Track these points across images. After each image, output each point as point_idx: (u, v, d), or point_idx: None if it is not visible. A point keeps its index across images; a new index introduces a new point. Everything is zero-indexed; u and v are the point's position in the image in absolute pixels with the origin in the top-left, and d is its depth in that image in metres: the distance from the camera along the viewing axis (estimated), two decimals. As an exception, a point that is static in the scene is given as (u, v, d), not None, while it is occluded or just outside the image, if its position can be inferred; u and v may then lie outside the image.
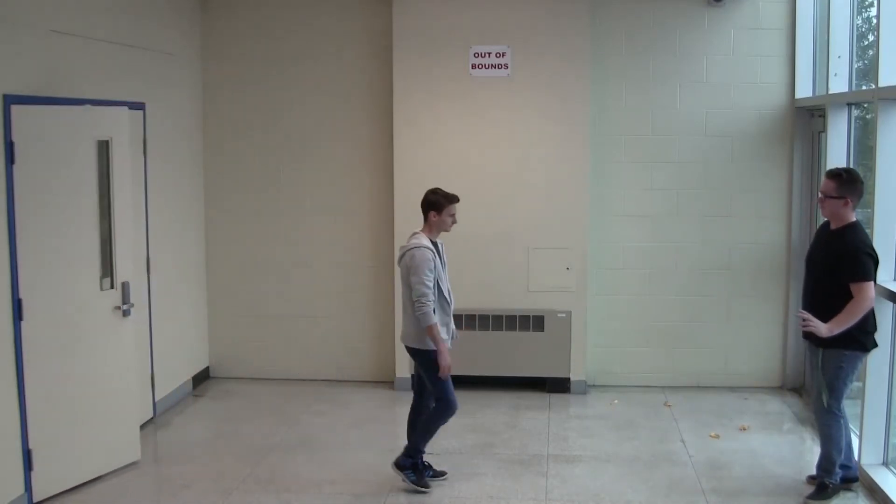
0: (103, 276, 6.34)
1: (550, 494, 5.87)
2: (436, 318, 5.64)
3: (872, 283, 5.32)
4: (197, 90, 8.14)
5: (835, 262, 5.40)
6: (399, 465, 5.89)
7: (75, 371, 5.94)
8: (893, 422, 5.99)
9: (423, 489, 5.84)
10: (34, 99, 5.56)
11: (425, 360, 5.78)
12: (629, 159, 8.00)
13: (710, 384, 8.10)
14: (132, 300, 6.63)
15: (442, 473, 6.05)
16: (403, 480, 5.87)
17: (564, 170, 7.77)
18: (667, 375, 8.15)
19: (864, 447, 5.87)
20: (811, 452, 6.67)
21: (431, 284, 5.62)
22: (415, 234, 5.83)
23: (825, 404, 5.54)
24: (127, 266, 6.67)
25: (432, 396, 5.91)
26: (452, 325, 5.90)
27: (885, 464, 5.98)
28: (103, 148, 6.33)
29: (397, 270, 7.89)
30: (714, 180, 7.96)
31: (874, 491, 5.71)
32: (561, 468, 6.22)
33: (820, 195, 5.58)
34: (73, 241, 5.96)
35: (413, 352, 5.85)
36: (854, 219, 5.45)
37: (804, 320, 5.41)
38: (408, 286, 5.71)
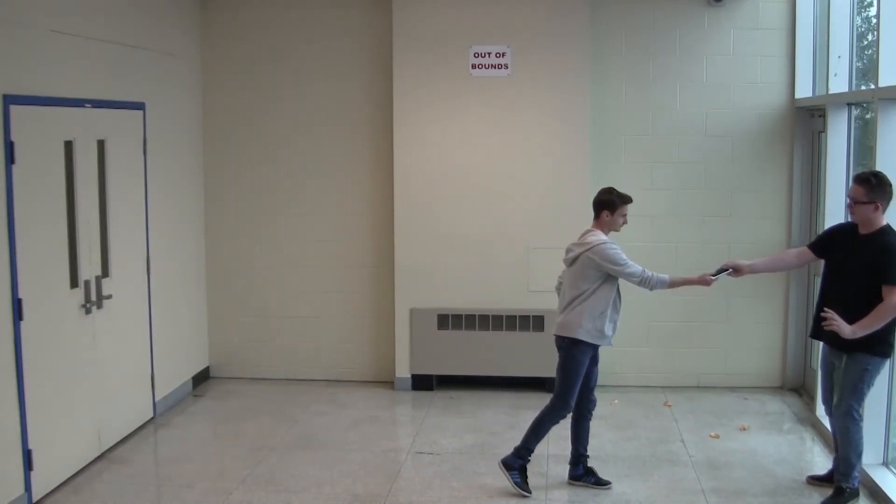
0: (103, 275, 6.36)
1: (550, 494, 5.87)
2: (664, 276, 5.72)
3: None
4: (197, 90, 8.14)
5: (867, 266, 5.34)
6: (506, 463, 5.86)
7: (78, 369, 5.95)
8: (893, 422, 5.99)
9: (524, 493, 5.78)
10: (34, 99, 5.56)
11: (567, 350, 5.77)
12: (629, 159, 8.00)
13: (710, 384, 8.11)
14: (131, 299, 6.66)
15: (605, 483, 5.96)
16: (508, 481, 5.81)
17: (564, 170, 7.77)
18: (667, 375, 8.15)
19: (864, 447, 5.85)
20: (811, 452, 6.69)
21: (632, 262, 5.66)
22: (589, 231, 5.82)
23: (846, 407, 5.50)
24: (123, 264, 6.69)
25: (589, 394, 5.95)
26: (617, 326, 5.86)
27: (885, 464, 5.98)
28: (103, 148, 6.36)
29: (400, 271, 8.00)
30: (714, 180, 7.96)
31: (874, 492, 5.71)
32: (561, 468, 6.22)
33: (849, 201, 5.50)
34: (72, 240, 5.98)
35: (559, 340, 5.81)
36: (885, 222, 5.40)
37: (827, 320, 5.35)
38: (579, 281, 5.73)
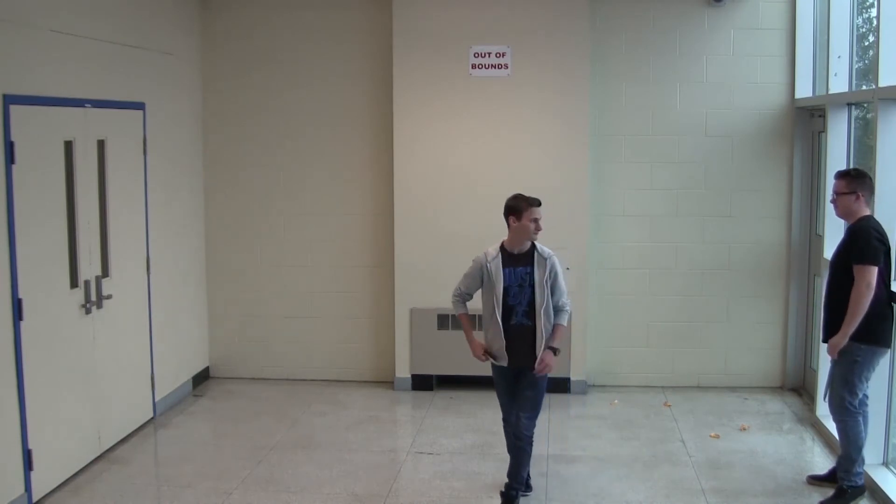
0: (103, 275, 6.36)
1: (550, 494, 5.87)
2: (461, 306, 5.61)
3: (875, 268, 5.31)
4: (197, 90, 8.14)
5: (846, 254, 5.43)
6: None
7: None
8: (893, 422, 5.99)
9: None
10: (34, 99, 5.56)
11: None
12: (629, 159, 8.00)
13: (710, 384, 8.10)
14: (131, 299, 6.64)
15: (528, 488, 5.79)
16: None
17: (564, 170, 7.77)
18: (667, 375, 8.15)
19: (864, 447, 5.86)
20: (811, 452, 6.68)
21: (461, 287, 5.59)
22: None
23: (839, 399, 5.51)
24: (123, 264, 6.68)
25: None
26: (501, 344, 5.47)
27: (885, 464, 5.98)
28: (103, 148, 6.35)
29: (400, 271, 8.02)
30: (714, 180, 7.96)
31: (874, 491, 5.71)
32: (561, 468, 6.22)
33: (832, 196, 5.64)
34: (72, 240, 5.98)
35: None
36: (867, 212, 5.51)
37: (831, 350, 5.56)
38: None
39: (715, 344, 8.09)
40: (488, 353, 5.56)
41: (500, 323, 5.44)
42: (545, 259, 5.49)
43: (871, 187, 5.54)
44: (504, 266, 5.44)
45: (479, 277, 5.53)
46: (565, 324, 5.56)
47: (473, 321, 5.70)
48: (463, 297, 5.64)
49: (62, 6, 5.95)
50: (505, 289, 5.43)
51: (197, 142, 8.16)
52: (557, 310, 5.50)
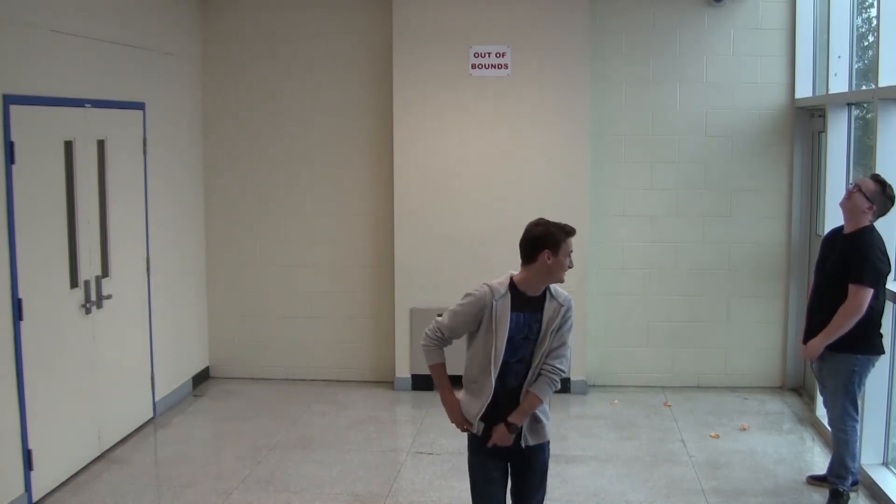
0: (102, 275, 6.36)
1: (550, 494, 5.82)
2: (436, 358, 4.18)
3: (871, 290, 5.25)
4: (197, 89, 8.14)
5: (841, 261, 5.37)
6: None
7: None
8: (893, 422, 5.99)
9: None
10: (34, 99, 5.56)
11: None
12: (629, 159, 8.00)
13: (710, 384, 8.10)
14: (131, 299, 6.63)
15: None
16: None
17: (564, 170, 7.77)
18: (667, 375, 8.15)
19: (864, 447, 5.86)
20: (811, 452, 6.68)
21: (443, 325, 4.14)
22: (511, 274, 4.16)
23: (841, 408, 5.50)
24: (123, 264, 6.68)
25: None
26: (481, 409, 4.08)
27: (885, 464, 5.98)
28: (103, 148, 6.35)
29: (400, 271, 8.01)
30: (714, 180, 7.96)
31: (874, 491, 5.71)
32: (561, 468, 6.22)
33: (853, 187, 5.45)
34: (72, 240, 5.98)
35: None
36: (869, 223, 5.41)
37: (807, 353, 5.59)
38: None
39: (715, 344, 8.09)
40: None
41: (494, 383, 4.03)
42: (560, 305, 4.08)
43: (888, 209, 5.40)
44: (512, 309, 4.04)
45: (475, 318, 4.06)
46: (543, 397, 4.11)
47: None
48: (442, 340, 4.16)
49: (62, 6, 5.95)
50: (508, 339, 4.03)
51: (197, 142, 8.16)
52: (544, 373, 4.08)
